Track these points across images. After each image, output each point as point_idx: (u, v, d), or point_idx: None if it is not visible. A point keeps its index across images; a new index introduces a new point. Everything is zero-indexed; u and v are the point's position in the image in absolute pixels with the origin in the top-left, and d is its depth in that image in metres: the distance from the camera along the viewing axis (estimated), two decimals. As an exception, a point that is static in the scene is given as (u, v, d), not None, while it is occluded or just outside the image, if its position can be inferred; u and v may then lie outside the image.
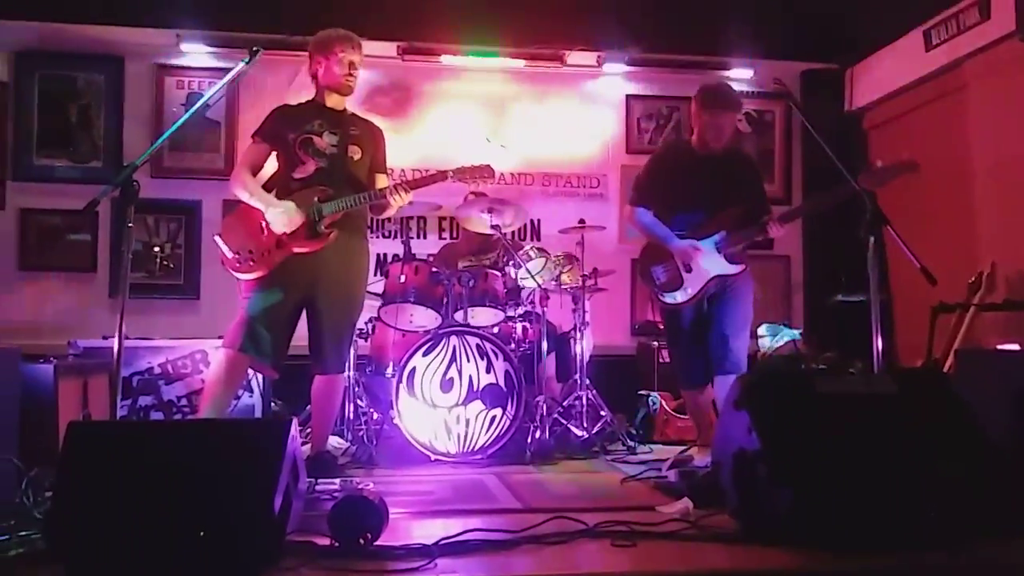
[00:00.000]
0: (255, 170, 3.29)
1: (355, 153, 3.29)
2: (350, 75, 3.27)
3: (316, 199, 3.15)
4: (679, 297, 3.44)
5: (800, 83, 5.63)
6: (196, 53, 5.23)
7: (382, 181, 3.40)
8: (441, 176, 3.33)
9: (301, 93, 3.53)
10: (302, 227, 3.13)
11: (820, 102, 5.54)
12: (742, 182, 3.50)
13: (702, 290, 3.41)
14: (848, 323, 4.57)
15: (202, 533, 1.93)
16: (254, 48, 2.92)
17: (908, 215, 4.04)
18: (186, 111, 2.82)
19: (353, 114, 3.43)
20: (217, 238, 3.20)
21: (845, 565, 2.04)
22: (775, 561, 2.07)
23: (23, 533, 2.21)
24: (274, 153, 3.30)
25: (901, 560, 2.05)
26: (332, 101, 3.33)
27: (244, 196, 3.19)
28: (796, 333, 5.06)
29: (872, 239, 2.84)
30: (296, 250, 3.13)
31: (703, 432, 3.61)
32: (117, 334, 2.57)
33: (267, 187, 3.24)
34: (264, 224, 3.14)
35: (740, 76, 5.66)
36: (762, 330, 5.01)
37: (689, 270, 3.41)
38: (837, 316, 5.17)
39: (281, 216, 3.10)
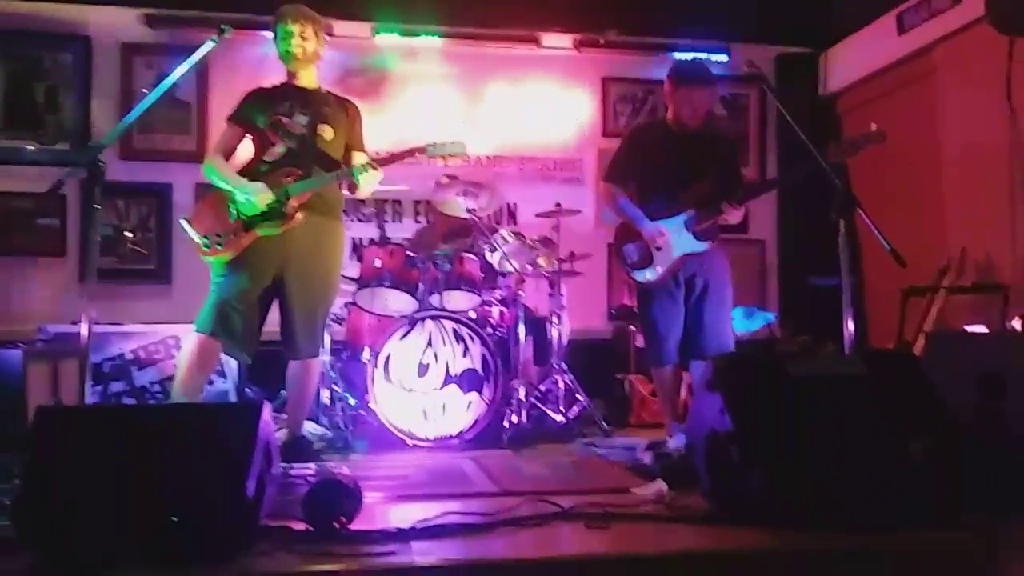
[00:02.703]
0: (227, 153, 3.25)
1: (326, 132, 3.25)
2: (292, 46, 3.21)
3: (285, 180, 3.12)
4: (649, 275, 3.46)
5: (775, 67, 5.65)
6: (164, 32, 5.12)
7: (359, 159, 3.36)
8: (411, 152, 3.30)
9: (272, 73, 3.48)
10: (269, 209, 3.09)
11: (794, 86, 5.57)
12: (715, 159, 3.50)
13: (671, 268, 3.43)
14: (822, 306, 4.60)
15: (174, 518, 1.91)
16: (222, 27, 2.87)
17: (879, 198, 4.09)
18: (155, 91, 2.77)
19: (328, 92, 3.39)
20: (183, 221, 3.16)
21: (816, 544, 2.07)
22: (748, 541, 2.10)
23: (-9, 520, 2.18)
24: (249, 137, 3.26)
25: (872, 539, 2.08)
26: (303, 80, 3.29)
27: (214, 179, 3.16)
28: (771, 316, 5.12)
29: (843, 222, 2.86)
30: (261, 233, 3.10)
31: (672, 411, 3.64)
32: (85, 318, 2.53)
33: (242, 172, 3.20)
34: (232, 207, 3.11)
35: (715, 59, 5.66)
36: (737, 313, 5.05)
37: (659, 248, 3.43)
38: (811, 299, 5.22)
39: (251, 196, 3.06)
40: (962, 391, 2.55)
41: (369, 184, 3.27)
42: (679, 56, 5.56)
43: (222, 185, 3.14)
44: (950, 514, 2.18)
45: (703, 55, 5.64)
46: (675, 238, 3.41)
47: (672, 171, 3.46)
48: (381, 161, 3.27)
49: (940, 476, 2.22)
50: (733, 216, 3.40)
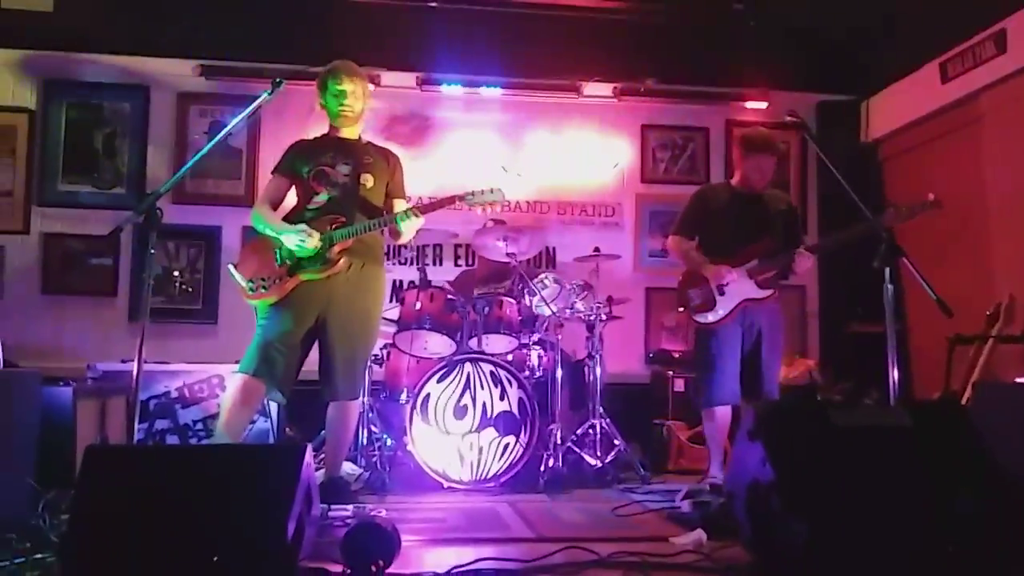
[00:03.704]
0: (275, 204, 3.36)
1: (367, 181, 3.34)
2: (343, 105, 3.32)
3: (329, 227, 3.20)
4: (710, 317, 3.62)
5: (816, 114, 5.65)
6: (219, 83, 5.33)
7: (400, 206, 3.44)
8: (451, 200, 3.36)
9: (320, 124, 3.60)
10: (314, 255, 3.17)
11: (836, 133, 5.56)
12: (777, 220, 3.71)
13: (733, 311, 3.58)
14: (864, 353, 4.53)
15: (215, 559, 1.94)
16: (277, 80, 2.99)
17: (925, 246, 4.03)
18: (209, 139, 2.88)
19: (368, 143, 3.49)
20: (230, 267, 3.27)
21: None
22: (789, 595, 2.05)
23: (38, 556, 2.23)
24: (293, 188, 3.37)
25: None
26: (345, 132, 3.40)
27: (260, 227, 3.27)
28: (811, 363, 5.04)
29: (887, 270, 2.84)
30: (305, 277, 3.18)
31: (718, 453, 3.72)
32: (137, 358, 2.61)
33: (286, 220, 3.30)
34: (277, 252, 3.20)
35: (755, 107, 5.70)
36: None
37: (722, 293, 3.59)
38: (853, 346, 5.13)
39: (298, 237, 3.14)
40: (1011, 444, 2.48)
41: (410, 230, 3.34)
42: (721, 107, 5.62)
43: (268, 232, 3.23)
44: (999, 572, 2.11)
45: (743, 103, 5.69)
46: (738, 284, 3.58)
47: (736, 229, 3.66)
48: (422, 209, 3.33)
49: (990, 533, 2.15)
50: (802, 265, 3.56)
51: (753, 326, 3.61)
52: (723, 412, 3.64)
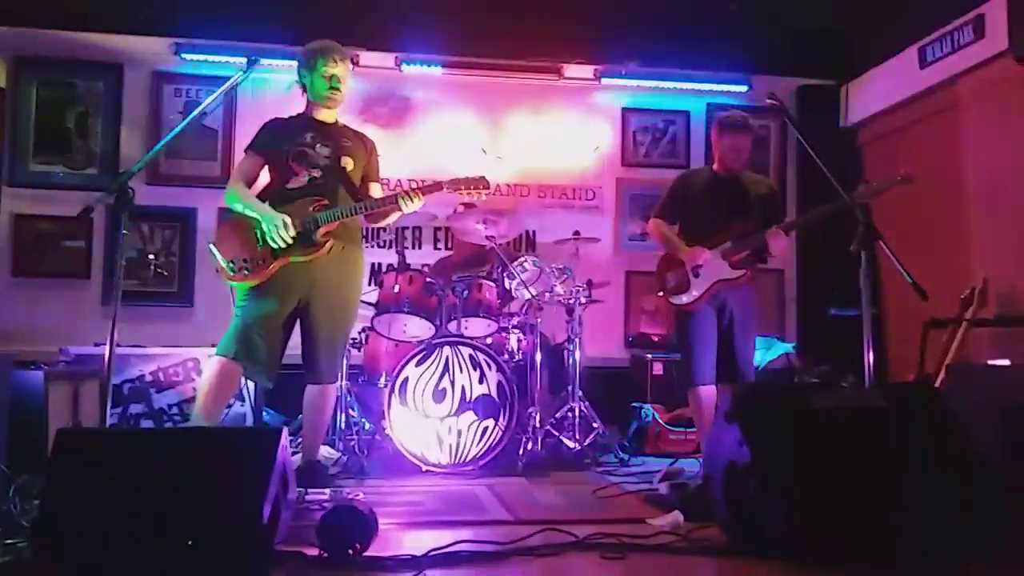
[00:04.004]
0: (249, 182, 3.28)
1: (347, 164, 3.30)
2: (332, 89, 3.27)
3: (311, 209, 3.15)
4: (684, 299, 3.63)
5: (796, 98, 5.66)
6: (194, 61, 5.24)
7: (376, 190, 3.42)
8: (436, 187, 3.33)
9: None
10: (298, 237, 3.13)
11: (816, 117, 5.57)
12: (757, 200, 3.71)
13: (706, 292, 3.59)
14: (841, 337, 4.57)
15: (190, 542, 1.92)
16: (252, 58, 2.94)
17: (901, 230, 4.06)
18: (183, 119, 2.82)
19: (344, 126, 3.44)
20: (211, 246, 3.19)
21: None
22: (765, 575, 2.07)
23: (10, 541, 2.20)
24: (266, 166, 3.31)
25: (891, 574, 2.05)
26: (322, 115, 3.34)
27: (239, 207, 3.18)
28: (790, 347, 5.08)
29: (864, 253, 2.86)
30: (292, 259, 3.14)
31: (704, 432, 3.71)
32: (109, 341, 2.57)
33: (260, 198, 3.23)
34: (258, 233, 3.14)
35: (735, 91, 5.70)
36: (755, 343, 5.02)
37: (696, 275, 3.61)
38: (830, 330, 5.17)
39: (278, 226, 3.09)
40: (984, 426, 2.52)
41: (397, 215, 3.32)
42: (691, 85, 5.64)
43: (247, 212, 3.16)
44: (973, 550, 2.14)
45: (722, 86, 5.69)
46: (712, 266, 3.59)
47: (714, 212, 3.67)
48: (406, 194, 3.29)
49: (963, 512, 2.18)
50: (776, 245, 3.55)
51: (726, 307, 3.62)
52: (707, 391, 3.63)
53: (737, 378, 3.57)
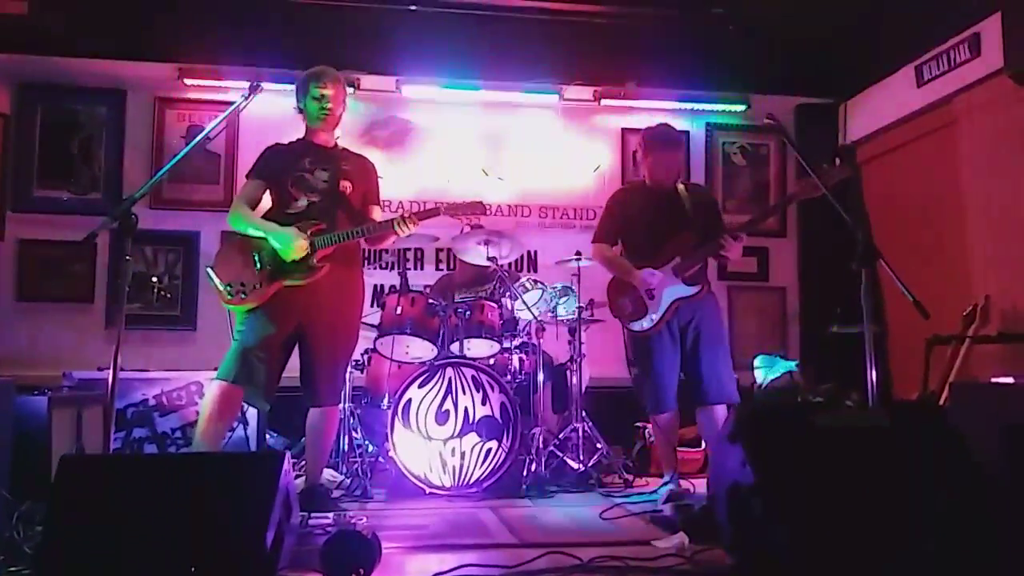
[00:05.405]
0: (251, 206, 3.31)
1: (346, 188, 3.33)
2: (323, 109, 3.30)
3: (308, 233, 3.17)
4: (645, 324, 3.56)
5: (795, 116, 5.70)
6: (197, 87, 5.29)
7: (376, 213, 3.43)
8: (433, 212, 3.35)
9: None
10: (294, 261, 3.14)
11: (815, 136, 5.61)
12: (695, 212, 3.63)
13: (665, 315, 3.52)
14: (844, 354, 4.57)
15: (193, 568, 1.91)
16: (254, 83, 2.97)
17: (902, 248, 4.08)
18: (186, 143, 2.85)
19: (344, 149, 3.47)
20: (208, 270, 3.21)
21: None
22: (770, 597, 2.06)
23: (12, 568, 2.20)
24: (267, 191, 3.34)
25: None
26: (321, 138, 3.37)
27: (242, 227, 3.21)
28: (792, 364, 5.07)
29: (865, 272, 2.86)
30: (288, 283, 3.15)
31: (668, 458, 3.74)
32: (112, 366, 2.57)
33: None
34: (256, 256, 3.16)
35: (734, 111, 5.74)
36: (758, 362, 5.02)
37: (652, 297, 3.54)
38: (833, 347, 5.17)
39: (288, 242, 3.11)
40: (987, 443, 2.50)
41: (405, 235, 3.33)
42: (690, 106, 5.65)
43: (252, 232, 3.18)
44: (978, 570, 2.12)
45: (721, 105, 5.73)
46: (665, 284, 3.52)
47: (654, 228, 3.61)
48: (402, 219, 3.31)
49: (967, 531, 2.17)
50: (733, 251, 3.48)
51: (689, 325, 3.54)
52: (665, 419, 3.61)
53: (707, 399, 3.48)
